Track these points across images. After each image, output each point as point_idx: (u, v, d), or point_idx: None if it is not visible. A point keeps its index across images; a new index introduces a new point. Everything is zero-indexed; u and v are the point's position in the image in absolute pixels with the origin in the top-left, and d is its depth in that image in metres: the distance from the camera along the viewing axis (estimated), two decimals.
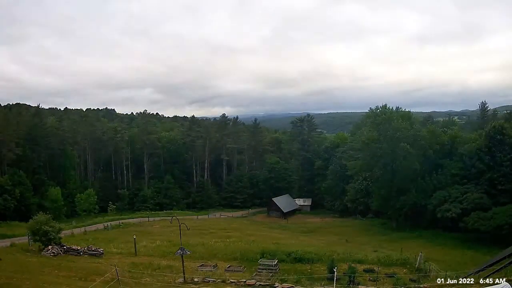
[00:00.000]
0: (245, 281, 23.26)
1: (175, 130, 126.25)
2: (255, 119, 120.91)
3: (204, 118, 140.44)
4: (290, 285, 23.01)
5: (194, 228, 50.75)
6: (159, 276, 24.00)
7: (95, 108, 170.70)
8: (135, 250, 33.79)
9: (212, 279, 23.90)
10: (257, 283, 23.28)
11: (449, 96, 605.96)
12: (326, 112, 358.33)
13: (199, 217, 77.10)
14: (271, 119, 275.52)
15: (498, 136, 61.48)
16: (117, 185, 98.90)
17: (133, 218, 70.22)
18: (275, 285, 23.01)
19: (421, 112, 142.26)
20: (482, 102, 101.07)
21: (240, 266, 28.73)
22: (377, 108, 73.76)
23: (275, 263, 27.49)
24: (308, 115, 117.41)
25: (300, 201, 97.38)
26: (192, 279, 23.78)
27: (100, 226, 57.57)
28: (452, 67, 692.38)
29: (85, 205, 73.82)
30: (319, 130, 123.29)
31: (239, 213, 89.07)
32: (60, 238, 31.09)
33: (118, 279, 20.65)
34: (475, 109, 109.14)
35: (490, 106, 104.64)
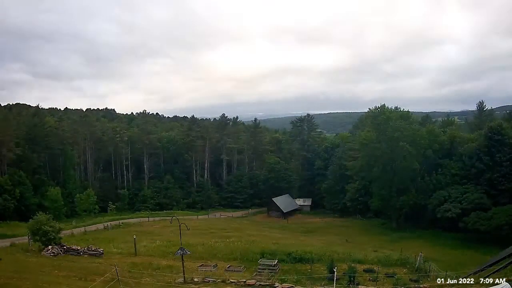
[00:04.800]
0: (245, 281, 23.24)
1: (175, 130, 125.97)
2: (255, 119, 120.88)
3: (204, 118, 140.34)
4: (290, 285, 23.00)
5: (194, 228, 50.66)
6: (159, 276, 23.99)
7: (95, 108, 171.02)
8: (135, 250, 33.75)
9: (212, 279, 23.88)
10: (257, 283, 23.26)
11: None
12: (326, 112, 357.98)
13: (199, 217, 77.10)
14: (271, 119, 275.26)
15: (497, 136, 61.52)
16: (117, 185, 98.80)
17: (133, 218, 70.15)
18: (275, 285, 22.99)
19: (421, 112, 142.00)
20: (480, 101, 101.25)
21: (240, 266, 28.72)
22: (376, 108, 73.86)
23: (275, 263, 27.52)
24: (308, 115, 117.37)
25: (300, 201, 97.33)
26: (192, 279, 23.77)
27: (100, 226, 57.49)
28: None
29: (85, 205, 73.78)
30: (319, 130, 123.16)
31: (239, 213, 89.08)
32: (60, 238, 31.13)
33: (118, 279, 20.67)
34: (474, 109, 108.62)
35: (488, 106, 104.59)
